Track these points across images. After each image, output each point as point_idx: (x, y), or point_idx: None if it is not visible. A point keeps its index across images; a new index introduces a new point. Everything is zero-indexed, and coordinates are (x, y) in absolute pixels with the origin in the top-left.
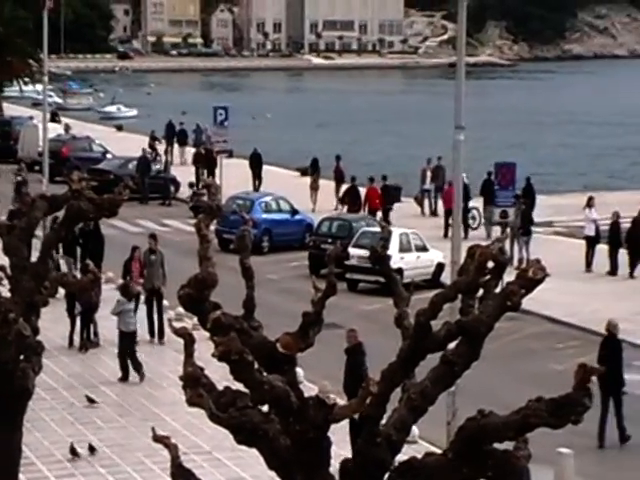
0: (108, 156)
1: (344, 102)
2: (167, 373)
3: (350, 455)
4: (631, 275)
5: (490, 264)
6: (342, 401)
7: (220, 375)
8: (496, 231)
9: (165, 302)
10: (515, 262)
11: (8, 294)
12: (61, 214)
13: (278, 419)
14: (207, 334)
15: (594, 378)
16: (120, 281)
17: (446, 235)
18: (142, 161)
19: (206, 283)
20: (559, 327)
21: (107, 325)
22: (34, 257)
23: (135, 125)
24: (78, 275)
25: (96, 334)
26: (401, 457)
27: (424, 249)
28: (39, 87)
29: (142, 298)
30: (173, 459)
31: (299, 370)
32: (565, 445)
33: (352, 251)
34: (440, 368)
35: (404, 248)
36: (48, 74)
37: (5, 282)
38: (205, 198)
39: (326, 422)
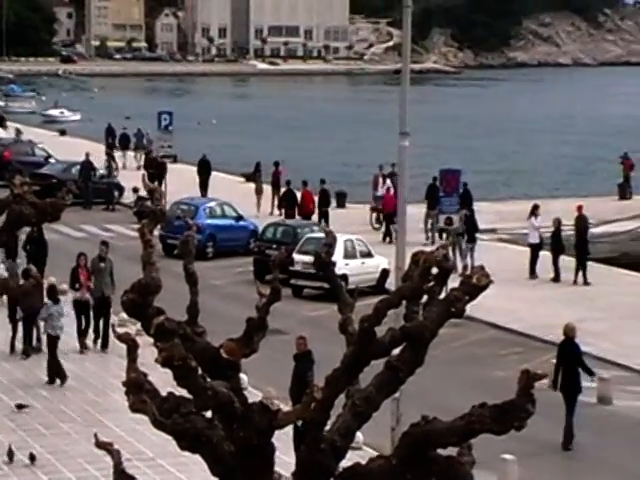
0: (51, 160)
1: (289, 108)
2: (111, 379)
3: (294, 462)
4: (575, 282)
5: (434, 270)
6: (286, 407)
7: (164, 381)
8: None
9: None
10: (459, 269)
11: None
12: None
13: (222, 425)
14: (151, 340)
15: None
16: (65, 287)
17: (384, 239)
18: (85, 165)
19: (149, 288)
20: (503, 333)
21: None
22: None
23: (78, 129)
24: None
25: (38, 339)
26: (345, 463)
27: (369, 255)
28: None
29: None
30: (116, 465)
31: (243, 376)
32: (508, 451)
33: (297, 257)
34: (384, 374)
35: (349, 254)
36: None
37: None
38: (149, 203)
39: (270, 428)
